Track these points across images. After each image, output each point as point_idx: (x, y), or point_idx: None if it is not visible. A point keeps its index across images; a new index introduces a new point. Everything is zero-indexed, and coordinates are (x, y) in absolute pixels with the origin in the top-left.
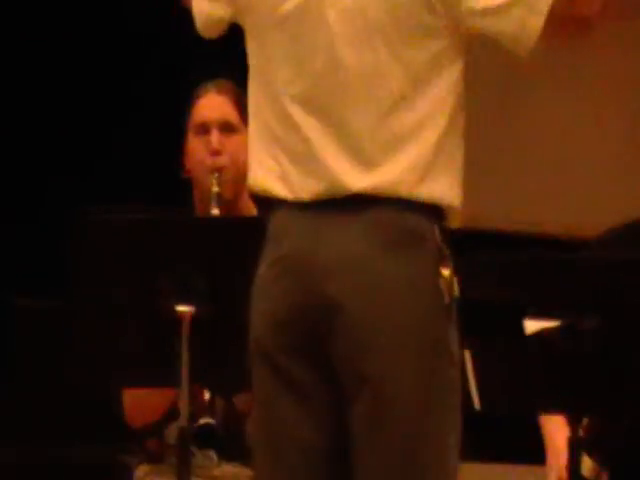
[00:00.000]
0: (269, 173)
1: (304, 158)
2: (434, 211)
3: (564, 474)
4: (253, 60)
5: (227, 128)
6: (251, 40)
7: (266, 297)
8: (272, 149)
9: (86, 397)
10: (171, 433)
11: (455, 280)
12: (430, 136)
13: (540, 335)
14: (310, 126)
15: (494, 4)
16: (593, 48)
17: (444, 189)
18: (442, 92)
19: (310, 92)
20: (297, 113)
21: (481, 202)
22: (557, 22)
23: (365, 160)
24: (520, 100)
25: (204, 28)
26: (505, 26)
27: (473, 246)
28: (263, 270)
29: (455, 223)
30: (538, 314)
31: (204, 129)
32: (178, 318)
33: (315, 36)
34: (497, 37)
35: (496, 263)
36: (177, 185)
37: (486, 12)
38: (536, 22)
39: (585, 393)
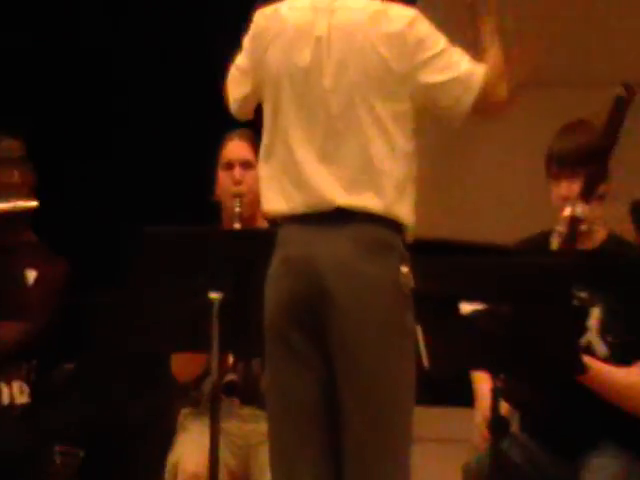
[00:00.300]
0: (277, 196)
1: (304, 184)
2: (398, 227)
3: (487, 414)
4: (268, 116)
5: (246, 165)
6: (267, 102)
7: (276, 288)
8: (280, 180)
9: (146, 361)
10: (206, 386)
11: (411, 276)
12: (397, 173)
13: (469, 315)
14: (310, 161)
15: (437, 81)
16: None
17: (406, 212)
18: (403, 140)
19: (310, 136)
20: (302, 153)
21: (430, 220)
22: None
23: (351, 186)
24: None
25: (239, 112)
26: (444, 100)
27: (423, 252)
28: (273, 268)
29: (410, 236)
30: (469, 300)
31: (229, 166)
32: (210, 302)
33: (314, 95)
34: (436, 109)
35: (439, 264)
36: (209, 207)
37: (430, 87)
38: (468, 99)
39: (499, 357)
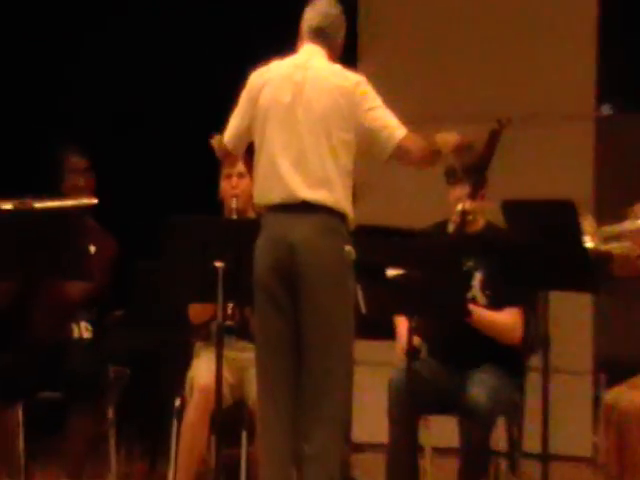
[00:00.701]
0: (264, 192)
1: (279, 180)
2: (343, 218)
3: (404, 344)
4: (257, 141)
5: (240, 175)
6: (256, 133)
7: (261, 256)
8: (267, 181)
9: (172, 309)
10: (213, 326)
11: (352, 251)
12: (341, 182)
13: (393, 278)
14: (286, 166)
15: (370, 127)
16: None
17: (348, 208)
18: (345, 160)
19: (286, 152)
20: (280, 162)
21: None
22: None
23: (313, 184)
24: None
25: (233, 144)
26: (372, 143)
27: (362, 234)
28: (259, 243)
29: (351, 225)
30: (393, 267)
31: (229, 176)
32: (216, 269)
33: (291, 123)
34: (367, 147)
35: (373, 243)
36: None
37: (365, 130)
38: (387, 148)
39: (413, 305)
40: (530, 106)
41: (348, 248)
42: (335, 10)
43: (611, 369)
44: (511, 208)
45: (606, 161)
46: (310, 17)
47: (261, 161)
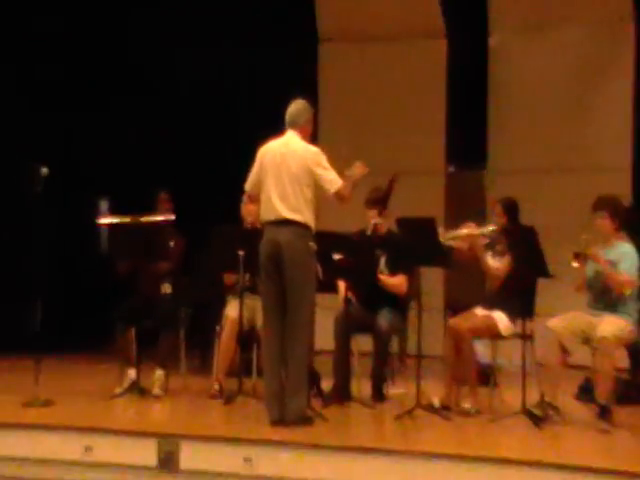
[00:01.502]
0: (264, 214)
1: (272, 207)
2: (308, 228)
3: (343, 295)
4: (261, 185)
5: (253, 200)
6: (261, 181)
7: (263, 250)
8: (266, 208)
9: (216, 277)
10: (237, 287)
11: (314, 246)
12: (308, 208)
13: (336, 259)
14: (276, 199)
15: (322, 178)
16: None
17: (311, 221)
18: (310, 196)
19: (276, 190)
20: (273, 197)
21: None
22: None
23: (290, 210)
24: None
25: (251, 189)
26: (322, 189)
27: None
28: (261, 243)
29: (312, 232)
30: (336, 253)
31: (246, 204)
32: (239, 255)
33: (280, 175)
34: (319, 191)
35: (325, 241)
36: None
37: (318, 180)
38: (330, 192)
39: (348, 274)
40: (407, 162)
41: (311, 244)
42: (300, 105)
43: (453, 307)
44: (400, 222)
45: (452, 197)
46: (287, 114)
47: (263, 197)
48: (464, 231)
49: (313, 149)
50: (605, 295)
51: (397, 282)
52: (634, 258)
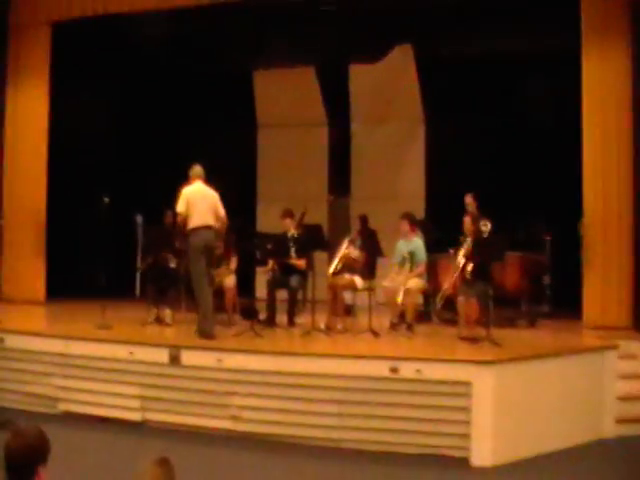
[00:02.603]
0: (198, 222)
1: (204, 219)
2: (216, 231)
3: (271, 268)
4: (191, 210)
5: (183, 219)
6: (190, 208)
7: (201, 242)
8: (198, 219)
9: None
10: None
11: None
12: (216, 222)
13: (269, 248)
14: (205, 215)
15: (218, 211)
16: None
17: (216, 227)
18: (217, 216)
19: (201, 214)
20: (202, 216)
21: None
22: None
23: (211, 221)
24: None
25: (184, 211)
26: (220, 212)
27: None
28: (199, 238)
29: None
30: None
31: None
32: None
33: (200, 205)
34: (218, 214)
35: (259, 237)
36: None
37: (218, 210)
38: (221, 218)
39: (273, 255)
40: (309, 193)
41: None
42: (199, 167)
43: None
44: (307, 227)
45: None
46: (195, 172)
47: (195, 214)
48: (339, 254)
49: (215, 193)
50: (409, 263)
51: (301, 262)
52: (422, 247)
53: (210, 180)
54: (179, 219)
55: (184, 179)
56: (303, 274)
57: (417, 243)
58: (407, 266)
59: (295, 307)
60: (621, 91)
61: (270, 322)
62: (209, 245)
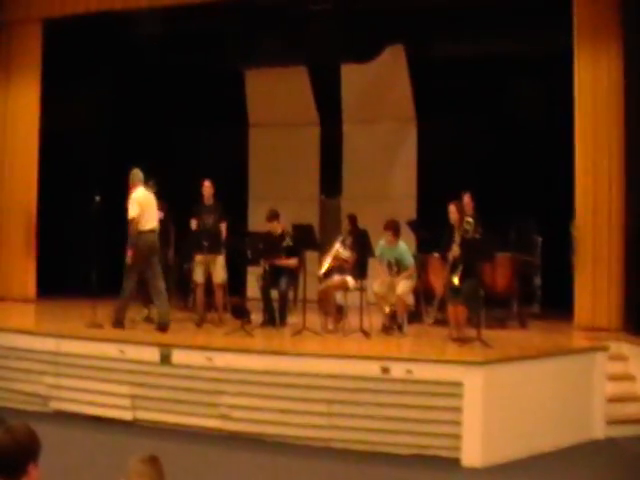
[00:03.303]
0: (148, 225)
1: (153, 222)
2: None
3: (264, 267)
4: (143, 212)
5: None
6: (142, 210)
7: (148, 244)
8: (148, 224)
9: None
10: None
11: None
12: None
13: (260, 248)
14: (152, 217)
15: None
16: None
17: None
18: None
19: (151, 216)
20: (152, 217)
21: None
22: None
23: (156, 223)
24: None
25: (138, 215)
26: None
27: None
28: (146, 240)
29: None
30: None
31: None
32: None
33: (151, 206)
34: None
35: (249, 236)
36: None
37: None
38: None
39: (264, 255)
40: (301, 193)
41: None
42: (137, 171)
43: (324, 274)
44: (298, 227)
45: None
46: (137, 176)
47: (146, 216)
48: (330, 255)
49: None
50: (396, 267)
51: (292, 262)
52: (408, 251)
53: (199, 179)
54: (133, 223)
55: (175, 178)
56: (293, 274)
57: (402, 249)
58: (395, 269)
59: (286, 307)
60: (613, 92)
61: (269, 323)
62: (155, 247)
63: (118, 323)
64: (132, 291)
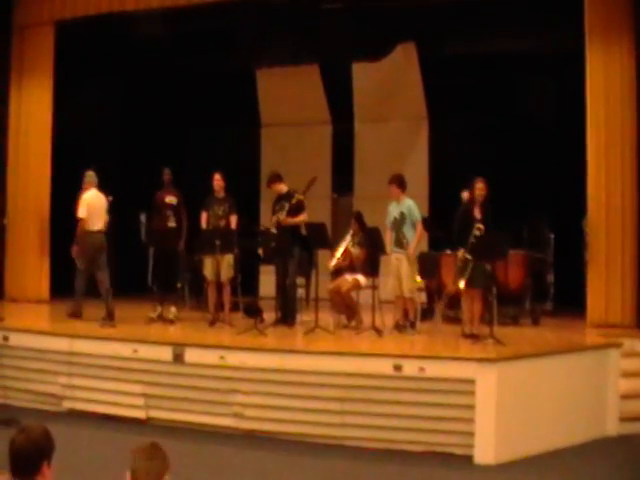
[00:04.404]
0: (96, 225)
1: (99, 222)
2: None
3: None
4: (91, 214)
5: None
6: (90, 212)
7: (95, 244)
8: (96, 225)
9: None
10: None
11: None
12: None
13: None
14: (100, 218)
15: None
16: None
17: None
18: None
19: (100, 217)
20: (102, 217)
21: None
22: None
23: (104, 224)
24: None
25: (86, 216)
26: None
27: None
28: (94, 241)
29: None
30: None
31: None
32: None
33: (100, 209)
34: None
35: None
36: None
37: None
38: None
39: (278, 254)
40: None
41: None
42: None
43: (335, 273)
44: (311, 226)
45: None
46: (89, 178)
47: (95, 217)
48: (340, 249)
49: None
50: (398, 237)
51: (299, 219)
52: (414, 206)
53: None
54: (81, 223)
55: (188, 178)
56: (302, 262)
57: (408, 203)
58: (405, 241)
59: (295, 302)
60: (625, 90)
61: (280, 322)
62: (101, 246)
63: (74, 314)
64: (82, 287)
